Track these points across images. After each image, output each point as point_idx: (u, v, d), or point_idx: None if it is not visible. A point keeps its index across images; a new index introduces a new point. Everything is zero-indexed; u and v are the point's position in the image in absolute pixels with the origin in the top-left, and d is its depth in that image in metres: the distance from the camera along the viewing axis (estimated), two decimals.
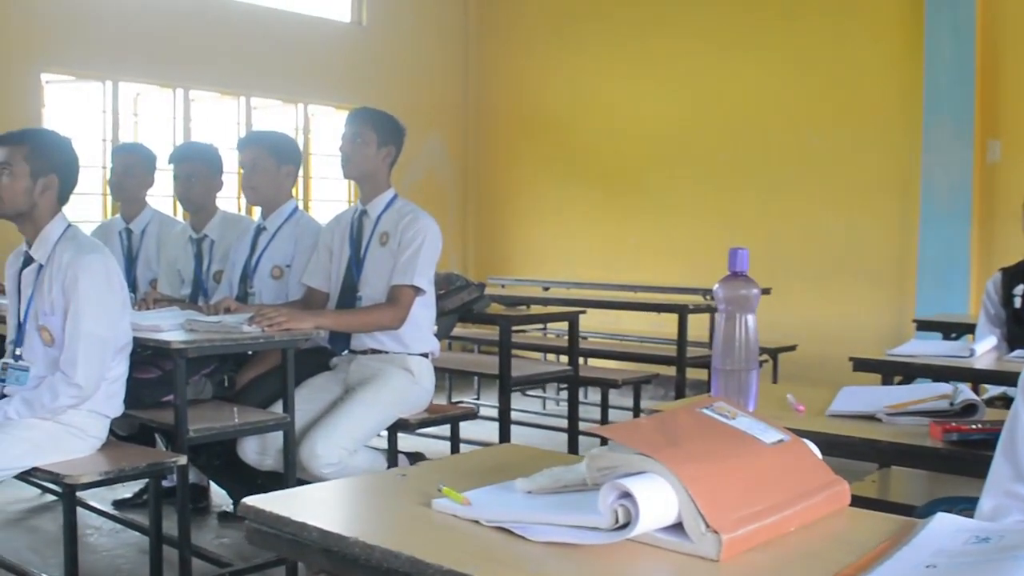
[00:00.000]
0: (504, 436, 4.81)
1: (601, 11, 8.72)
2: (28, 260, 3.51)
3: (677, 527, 1.29)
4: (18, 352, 3.50)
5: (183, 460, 3.46)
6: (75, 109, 7.11)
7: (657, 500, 1.26)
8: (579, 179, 8.90)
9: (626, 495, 1.25)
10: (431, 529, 1.36)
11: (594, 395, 6.95)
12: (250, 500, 1.44)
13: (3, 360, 3.53)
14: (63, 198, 3.53)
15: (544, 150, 9.15)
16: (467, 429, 4.57)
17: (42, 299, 3.43)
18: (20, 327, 3.51)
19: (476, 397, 7.53)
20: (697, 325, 5.89)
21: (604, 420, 5.53)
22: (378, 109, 4.23)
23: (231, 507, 4.89)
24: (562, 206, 9.01)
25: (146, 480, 3.63)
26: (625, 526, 1.26)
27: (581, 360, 5.88)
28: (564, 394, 7.92)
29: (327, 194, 8.25)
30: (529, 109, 9.22)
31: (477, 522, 1.37)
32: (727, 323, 2.38)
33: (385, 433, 4.16)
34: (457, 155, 9.36)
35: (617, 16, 8.63)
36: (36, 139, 3.50)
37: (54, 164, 3.47)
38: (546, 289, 7.55)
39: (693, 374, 5.83)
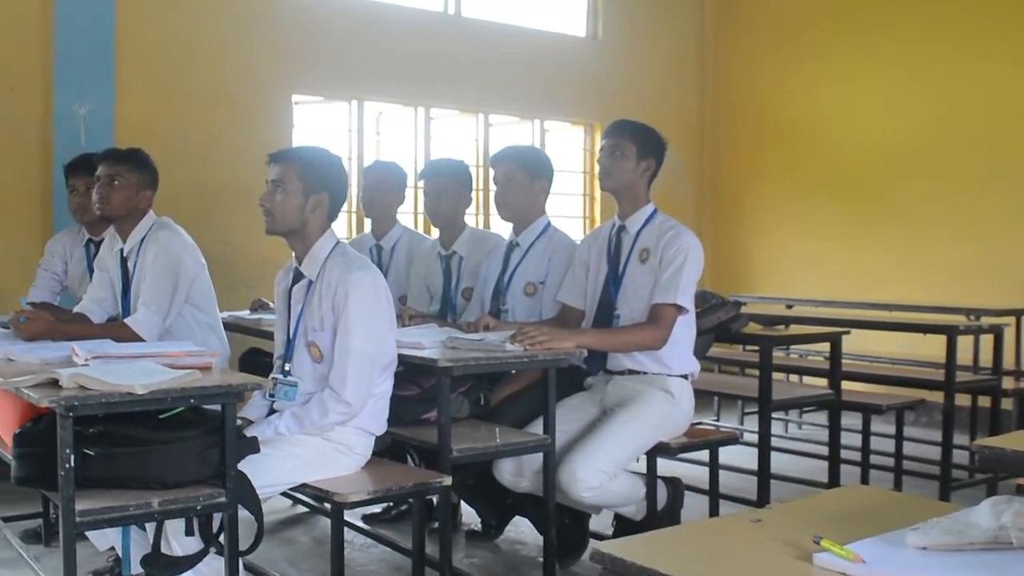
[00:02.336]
0: (764, 463, 4.57)
1: (842, 14, 8.32)
2: (298, 276, 3.52)
3: None
4: (287, 368, 3.52)
5: (448, 481, 3.39)
6: (322, 128, 7.29)
7: None
8: (822, 192, 8.51)
9: None
10: None
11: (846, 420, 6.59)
12: (604, 547, 1.31)
13: (272, 375, 3.56)
14: (333, 215, 3.54)
15: (784, 161, 8.80)
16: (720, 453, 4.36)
17: (312, 315, 3.44)
18: (289, 343, 3.53)
19: (715, 418, 7.27)
20: (959, 347, 5.45)
21: (865, 448, 5.20)
22: (638, 121, 4.10)
23: (479, 526, 4.83)
24: (804, 220, 8.63)
25: None
26: None
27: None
28: (807, 416, 7.60)
29: (564, 210, 8.18)
30: (768, 119, 8.90)
31: None
32: None
33: (643, 457, 4.01)
34: (693, 169, 9.13)
35: (859, 19, 8.21)
36: (308, 157, 3.51)
37: (325, 181, 3.47)
38: (789, 307, 7.23)
39: (959, 400, 5.42)
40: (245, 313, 5.10)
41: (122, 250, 4.19)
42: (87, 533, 3.64)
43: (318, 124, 7.30)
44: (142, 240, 4.14)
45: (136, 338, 3.88)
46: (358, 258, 3.52)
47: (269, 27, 6.76)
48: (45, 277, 4.88)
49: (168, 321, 4.05)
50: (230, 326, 4.80)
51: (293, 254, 3.58)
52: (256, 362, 4.57)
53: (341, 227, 7.16)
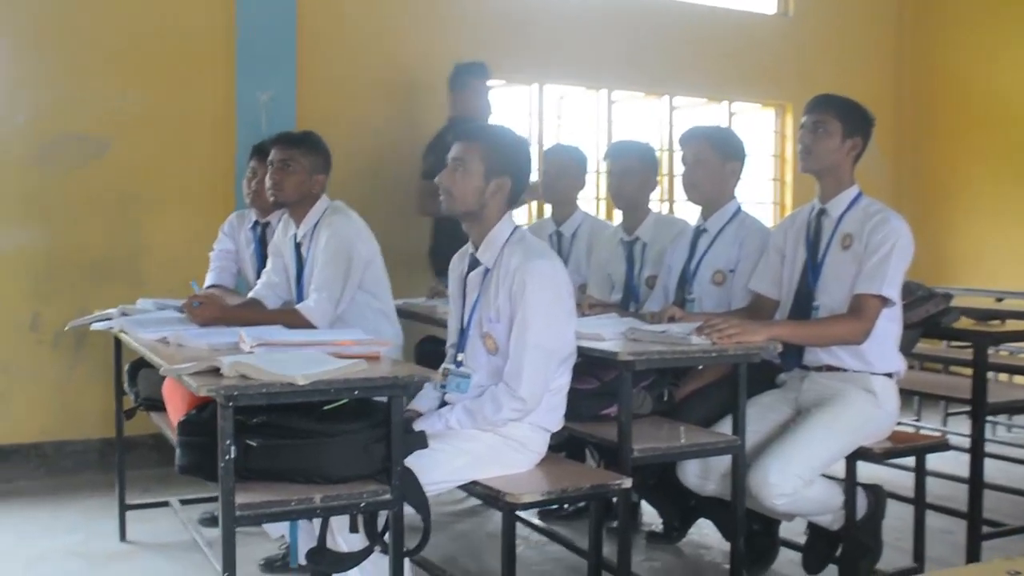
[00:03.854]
0: (976, 471, 4.13)
1: None
2: (474, 263, 3.34)
3: None
4: (460, 358, 3.34)
5: (627, 483, 3.14)
6: (503, 112, 7.13)
7: None
8: None
9: None
10: None
11: None
12: None
13: (444, 366, 3.39)
14: (512, 201, 3.33)
15: (994, 142, 8.13)
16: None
17: (487, 305, 3.25)
18: (463, 332, 3.35)
19: (916, 419, 6.78)
20: None
21: None
22: (843, 96, 3.74)
23: (660, 527, 4.58)
24: (1017, 205, 7.97)
25: None
26: None
27: None
28: (1016, 419, 7.02)
29: (753, 196, 7.81)
30: (975, 95, 8.23)
31: None
32: None
33: (842, 461, 3.67)
34: (889, 152, 8.56)
35: None
36: (493, 137, 3.30)
37: (509, 165, 3.27)
38: (999, 300, 6.66)
39: None
40: (421, 300, 4.97)
41: (296, 235, 4.10)
42: None
43: (499, 108, 7.13)
44: (315, 225, 4.05)
45: (308, 325, 3.77)
46: (537, 245, 3.30)
47: (449, 11, 6.65)
48: (220, 258, 4.87)
49: (340, 307, 3.94)
50: (404, 313, 4.69)
51: (469, 239, 3.40)
52: (432, 351, 4.43)
53: (522, 212, 6.99)
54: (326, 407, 2.73)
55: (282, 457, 2.67)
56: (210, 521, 4.64)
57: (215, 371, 2.63)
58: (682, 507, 4.40)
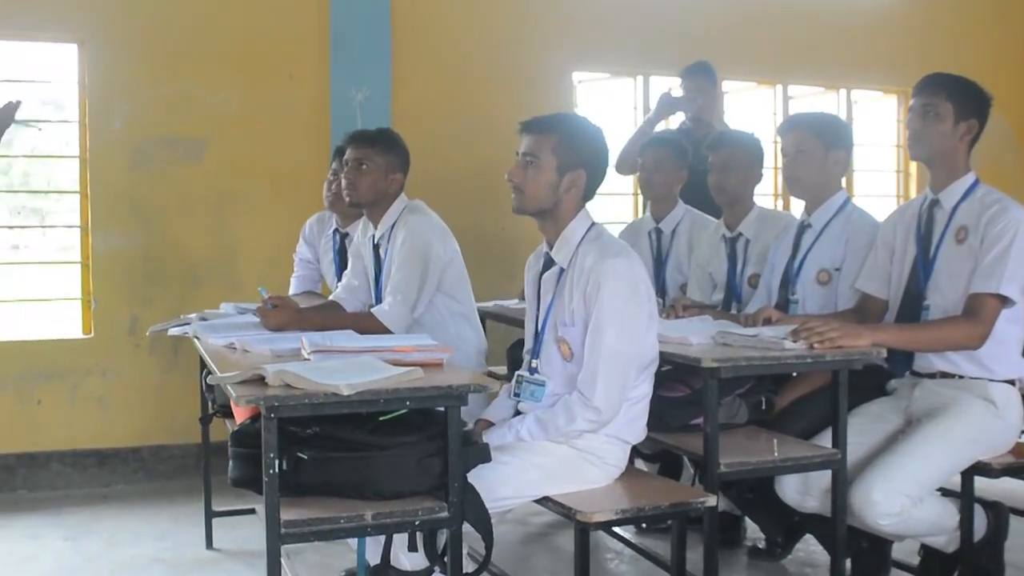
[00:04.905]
0: None
1: None
2: (549, 263, 3.13)
3: None
4: (534, 364, 3.14)
5: (712, 501, 2.90)
6: (606, 106, 6.90)
7: None
8: None
9: None
10: None
11: None
12: None
13: (518, 372, 3.19)
14: (588, 195, 3.11)
15: None
16: None
17: (562, 307, 3.04)
18: (538, 336, 3.15)
19: None
20: None
21: None
22: (955, 75, 3.42)
23: (764, 543, 4.30)
24: None
25: None
26: None
27: None
28: None
29: (874, 189, 7.35)
30: None
31: None
32: None
33: (958, 476, 3.36)
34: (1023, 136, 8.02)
35: None
36: (566, 128, 3.08)
37: (583, 158, 3.05)
38: None
39: None
40: (512, 302, 4.79)
41: (373, 236, 3.96)
42: None
43: (603, 102, 6.91)
44: (393, 225, 3.90)
45: (383, 329, 3.63)
46: (614, 243, 3.06)
47: (548, 1, 6.44)
48: (302, 267, 4.80)
49: (418, 311, 3.78)
50: (495, 315, 4.52)
51: (544, 238, 3.20)
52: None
53: (626, 211, 6.76)
54: (382, 418, 2.57)
55: (333, 471, 2.52)
56: None
57: (264, 380, 2.49)
58: (785, 522, 4.11)
